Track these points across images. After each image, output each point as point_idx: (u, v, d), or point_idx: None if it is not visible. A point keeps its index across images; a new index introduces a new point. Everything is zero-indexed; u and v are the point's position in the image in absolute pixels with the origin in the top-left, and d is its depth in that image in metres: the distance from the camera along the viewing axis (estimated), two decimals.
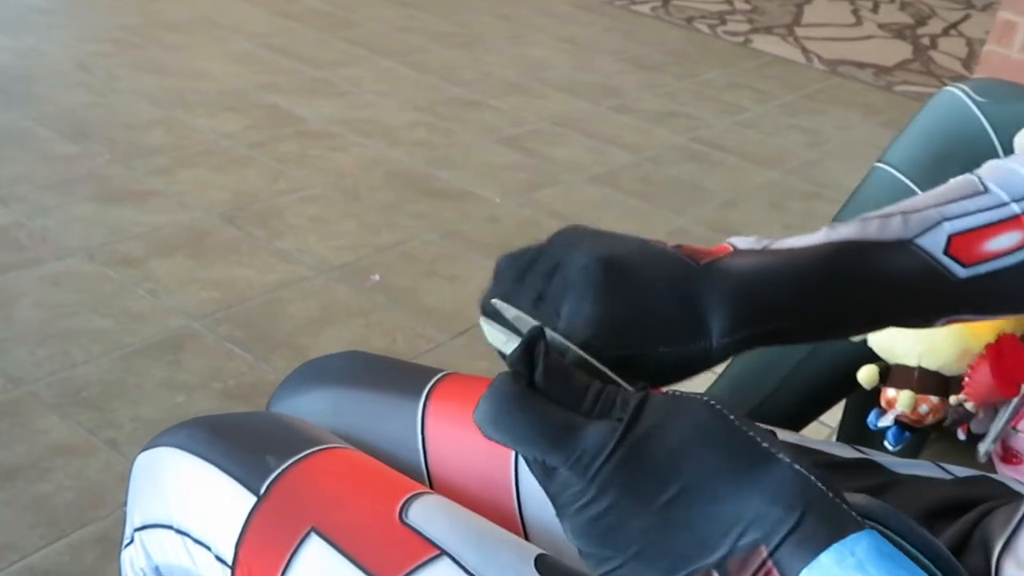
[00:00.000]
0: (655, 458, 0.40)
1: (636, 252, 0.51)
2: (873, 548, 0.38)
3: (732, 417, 0.41)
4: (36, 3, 3.18)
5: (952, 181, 0.59)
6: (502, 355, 0.48)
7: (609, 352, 0.47)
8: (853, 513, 0.40)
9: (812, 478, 0.39)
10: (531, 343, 0.44)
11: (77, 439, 1.45)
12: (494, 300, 0.50)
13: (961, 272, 0.54)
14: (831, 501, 0.39)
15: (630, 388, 0.44)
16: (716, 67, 3.74)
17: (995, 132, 0.95)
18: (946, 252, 0.54)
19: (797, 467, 0.40)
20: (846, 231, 0.54)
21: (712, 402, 0.41)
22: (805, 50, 4.11)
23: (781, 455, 0.40)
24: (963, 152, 0.95)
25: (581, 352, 0.47)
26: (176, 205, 2.14)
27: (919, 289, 0.54)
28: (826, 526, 0.38)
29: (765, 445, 0.40)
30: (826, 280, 0.52)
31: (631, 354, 0.48)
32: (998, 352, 0.85)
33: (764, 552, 0.38)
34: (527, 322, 0.48)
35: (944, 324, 0.56)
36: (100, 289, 1.81)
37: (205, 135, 2.49)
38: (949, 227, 0.55)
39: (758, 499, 0.38)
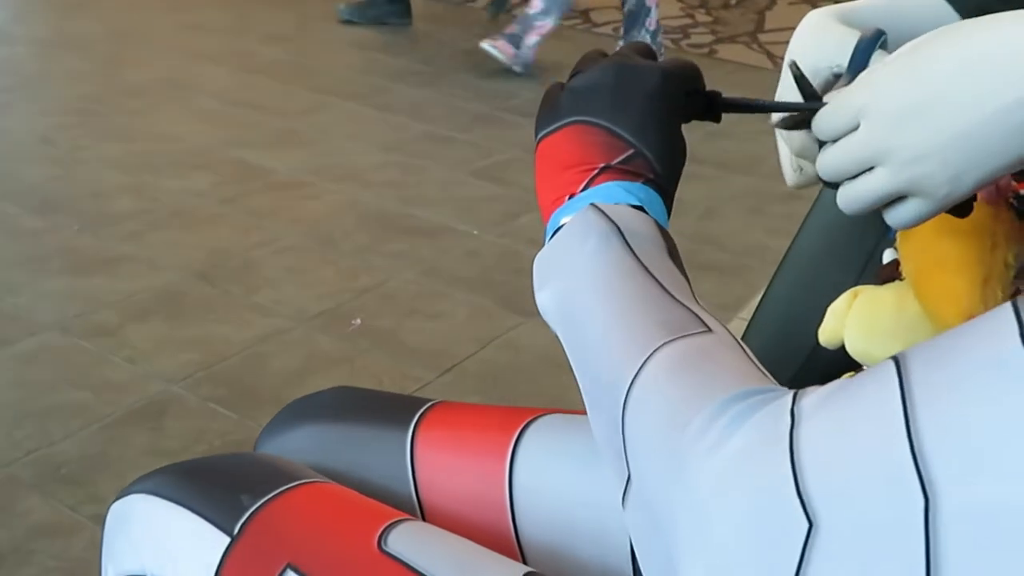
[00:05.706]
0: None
1: None
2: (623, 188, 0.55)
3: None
4: None
5: None
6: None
7: None
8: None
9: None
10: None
11: (60, 518, 1.40)
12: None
13: None
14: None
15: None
16: None
17: None
18: None
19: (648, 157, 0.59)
20: None
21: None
22: (770, 55, 4.11)
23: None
24: None
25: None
26: (148, 269, 2.10)
27: None
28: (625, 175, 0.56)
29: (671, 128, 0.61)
30: None
31: None
32: None
33: (597, 167, 0.57)
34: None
35: None
36: (76, 362, 1.77)
37: (174, 196, 2.46)
38: None
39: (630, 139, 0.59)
